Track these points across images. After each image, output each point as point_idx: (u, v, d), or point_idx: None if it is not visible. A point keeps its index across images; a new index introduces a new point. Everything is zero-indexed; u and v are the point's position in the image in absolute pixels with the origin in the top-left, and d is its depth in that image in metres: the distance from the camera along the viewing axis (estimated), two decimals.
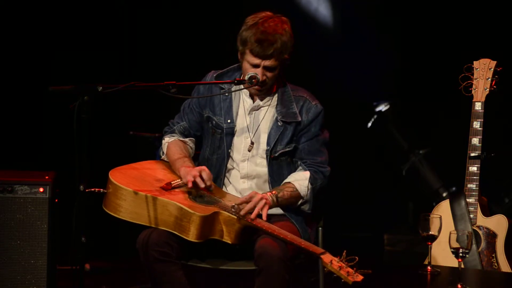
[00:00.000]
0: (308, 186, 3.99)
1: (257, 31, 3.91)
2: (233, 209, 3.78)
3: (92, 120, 3.53)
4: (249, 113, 4.08)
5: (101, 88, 3.59)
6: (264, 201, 3.82)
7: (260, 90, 4.02)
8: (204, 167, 3.93)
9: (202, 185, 3.87)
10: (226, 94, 4.08)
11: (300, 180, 4.00)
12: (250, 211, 3.78)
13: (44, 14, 6.33)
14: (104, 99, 3.72)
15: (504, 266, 4.50)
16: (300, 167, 4.05)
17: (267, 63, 3.93)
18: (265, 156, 4.04)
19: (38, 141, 6.30)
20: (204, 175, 3.89)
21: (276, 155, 4.04)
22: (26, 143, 6.31)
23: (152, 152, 4.29)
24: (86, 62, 6.32)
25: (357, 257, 3.49)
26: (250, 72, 3.95)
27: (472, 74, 4.61)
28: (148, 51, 6.49)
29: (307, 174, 4.02)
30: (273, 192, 3.92)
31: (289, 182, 4.00)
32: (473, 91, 4.60)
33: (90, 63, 6.32)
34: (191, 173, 3.89)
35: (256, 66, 3.94)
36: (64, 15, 6.35)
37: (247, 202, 3.81)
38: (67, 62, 6.31)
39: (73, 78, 4.80)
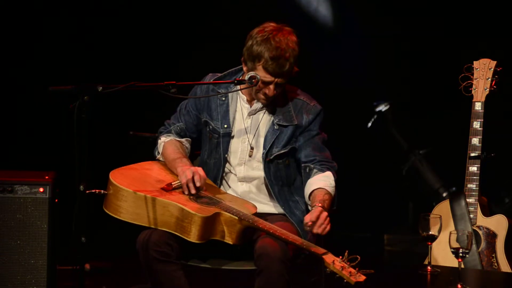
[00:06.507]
0: (334, 185, 3.98)
1: (270, 47, 3.85)
2: (306, 227, 3.70)
3: (92, 120, 3.52)
4: (246, 118, 4.07)
5: (101, 88, 3.58)
6: (328, 218, 3.73)
7: (267, 100, 3.98)
8: (199, 168, 3.92)
9: (193, 191, 3.87)
10: (223, 98, 4.06)
11: (328, 182, 3.96)
12: (321, 228, 3.70)
13: (44, 14, 6.33)
14: (104, 99, 3.71)
15: (504, 266, 4.49)
16: (315, 170, 4.00)
17: (280, 80, 3.91)
18: (261, 159, 4.04)
19: (38, 141, 6.30)
20: (196, 177, 3.87)
21: (271, 158, 4.02)
22: (26, 143, 6.31)
23: (152, 152, 4.28)
24: (86, 62, 6.32)
25: (359, 257, 3.49)
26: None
27: (472, 74, 4.61)
28: (148, 51, 6.48)
29: (329, 174, 3.99)
30: (319, 205, 3.80)
31: (322, 188, 3.93)
32: (473, 91, 4.60)
33: (90, 63, 6.32)
34: (185, 173, 3.89)
35: (267, 83, 3.91)
36: (64, 15, 6.35)
37: (316, 220, 3.70)
38: (67, 62, 6.30)
39: (73, 78, 4.80)
